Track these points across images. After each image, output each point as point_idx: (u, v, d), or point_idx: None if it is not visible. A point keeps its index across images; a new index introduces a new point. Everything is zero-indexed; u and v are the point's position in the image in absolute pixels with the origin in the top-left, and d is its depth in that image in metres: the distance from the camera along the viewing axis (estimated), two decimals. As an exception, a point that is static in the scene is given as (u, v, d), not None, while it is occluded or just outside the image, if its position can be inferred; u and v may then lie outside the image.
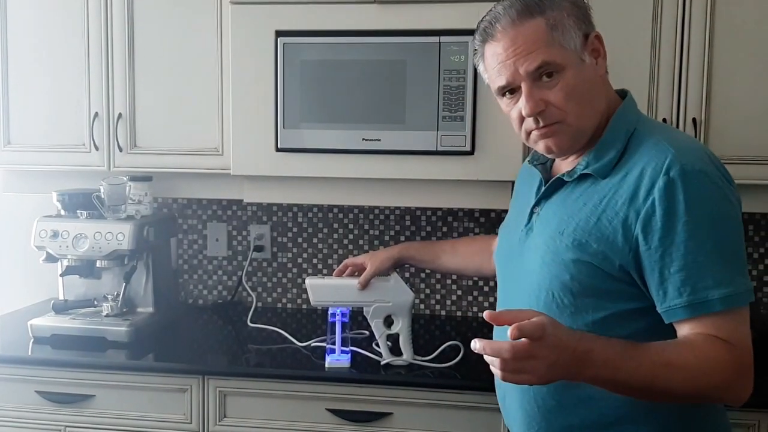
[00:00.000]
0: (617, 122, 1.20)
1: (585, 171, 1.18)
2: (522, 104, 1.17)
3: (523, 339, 0.97)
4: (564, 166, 1.26)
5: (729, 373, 1.06)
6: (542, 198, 1.26)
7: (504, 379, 1.00)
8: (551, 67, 1.15)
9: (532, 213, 1.27)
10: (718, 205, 1.09)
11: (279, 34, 1.88)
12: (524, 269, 1.24)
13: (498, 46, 1.17)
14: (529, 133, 1.21)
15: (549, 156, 1.27)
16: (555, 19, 1.15)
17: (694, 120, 1.84)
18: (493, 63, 1.19)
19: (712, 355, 1.06)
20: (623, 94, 1.25)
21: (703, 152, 1.14)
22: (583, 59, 1.17)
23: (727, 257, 1.08)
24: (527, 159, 1.38)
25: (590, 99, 1.18)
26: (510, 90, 1.19)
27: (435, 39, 1.82)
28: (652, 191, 1.09)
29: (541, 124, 1.17)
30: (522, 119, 1.19)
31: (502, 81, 1.18)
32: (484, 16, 1.21)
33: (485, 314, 1.03)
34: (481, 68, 1.25)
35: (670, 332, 1.11)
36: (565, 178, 1.21)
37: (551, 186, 1.24)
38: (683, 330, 1.09)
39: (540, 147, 1.22)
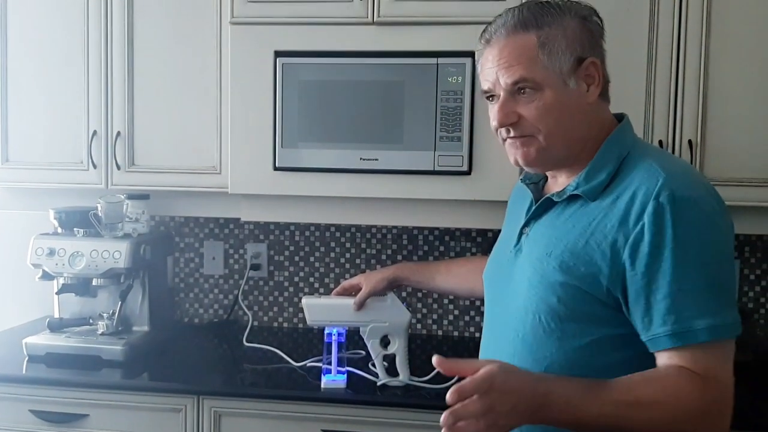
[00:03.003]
0: (610, 145, 1.18)
1: (574, 192, 1.17)
2: (494, 113, 1.18)
3: (473, 397, 1.00)
4: (556, 186, 1.24)
5: (696, 409, 1.04)
6: (532, 218, 1.24)
7: None
8: (528, 84, 1.14)
9: (521, 234, 1.25)
10: (708, 233, 1.06)
11: (278, 54, 1.90)
12: (511, 291, 1.22)
13: (489, 52, 1.18)
14: (504, 140, 1.21)
15: (521, 166, 1.24)
16: (548, 38, 1.14)
17: (690, 142, 1.85)
18: (482, 67, 1.21)
19: (680, 391, 1.04)
20: (621, 117, 1.24)
21: (696, 178, 1.13)
22: (566, 83, 1.15)
23: (715, 287, 1.05)
24: (519, 178, 1.37)
25: (566, 124, 1.16)
26: (492, 96, 1.20)
27: (432, 60, 1.84)
28: (642, 216, 1.07)
29: (512, 134, 1.18)
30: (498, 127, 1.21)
31: (485, 86, 1.20)
32: (493, 20, 1.22)
33: (434, 360, 1.05)
34: (478, 68, 1.26)
35: None
36: (554, 198, 1.20)
37: (541, 206, 1.22)
38: (662, 359, 1.07)
39: (511, 157, 1.22)
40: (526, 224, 1.25)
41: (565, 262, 1.13)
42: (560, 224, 1.18)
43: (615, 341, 1.11)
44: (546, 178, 1.31)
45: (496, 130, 1.21)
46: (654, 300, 1.05)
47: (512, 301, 1.21)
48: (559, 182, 1.25)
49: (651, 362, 1.09)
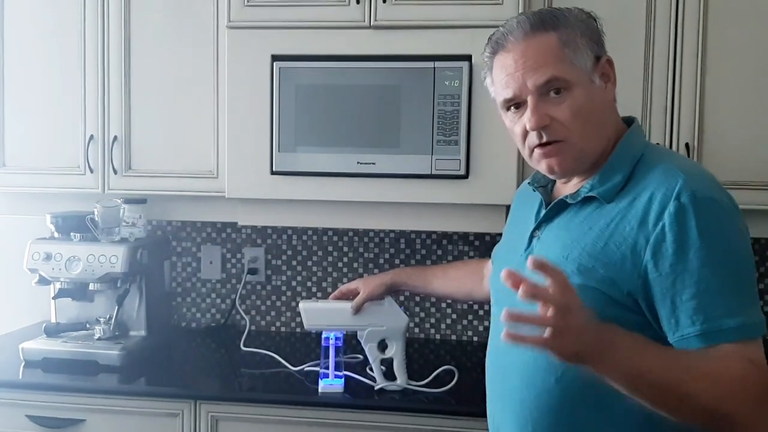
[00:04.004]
0: (624, 147, 1.17)
1: (589, 194, 1.15)
2: (527, 118, 1.14)
3: (550, 308, 0.92)
4: (566, 189, 1.23)
5: (756, 394, 1.00)
6: (543, 221, 1.22)
7: (551, 339, 0.91)
8: (560, 83, 1.13)
9: (532, 237, 1.23)
10: (731, 233, 1.06)
11: (275, 58, 1.90)
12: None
13: (508, 58, 1.16)
14: (532, 150, 1.18)
15: (551, 176, 1.24)
16: (568, 36, 1.14)
17: (687, 145, 1.85)
18: (500, 75, 1.17)
19: (740, 373, 1.00)
20: (630, 121, 1.23)
21: (713, 179, 1.12)
22: (593, 80, 1.15)
23: (741, 287, 1.05)
24: (527, 181, 1.36)
25: (597, 121, 1.16)
26: (516, 104, 1.17)
27: (429, 64, 1.84)
28: (662, 217, 1.06)
29: (545, 139, 1.15)
30: (525, 134, 1.17)
31: (508, 93, 1.16)
32: (497, 29, 1.20)
33: (504, 272, 0.94)
34: (488, 81, 1.23)
35: None
36: (568, 200, 1.18)
37: (553, 209, 1.21)
38: None
39: (542, 166, 1.19)
40: (537, 227, 1.23)
41: (583, 264, 1.11)
42: (575, 227, 1.16)
43: None
44: (554, 182, 1.29)
45: (523, 140, 1.18)
46: (680, 300, 1.04)
47: (525, 306, 1.20)
48: (569, 185, 1.24)
49: None
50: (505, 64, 1.16)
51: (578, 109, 1.13)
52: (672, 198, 1.06)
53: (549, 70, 1.12)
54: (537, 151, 1.17)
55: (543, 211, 1.24)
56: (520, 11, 1.77)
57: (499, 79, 1.18)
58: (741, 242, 1.08)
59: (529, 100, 1.14)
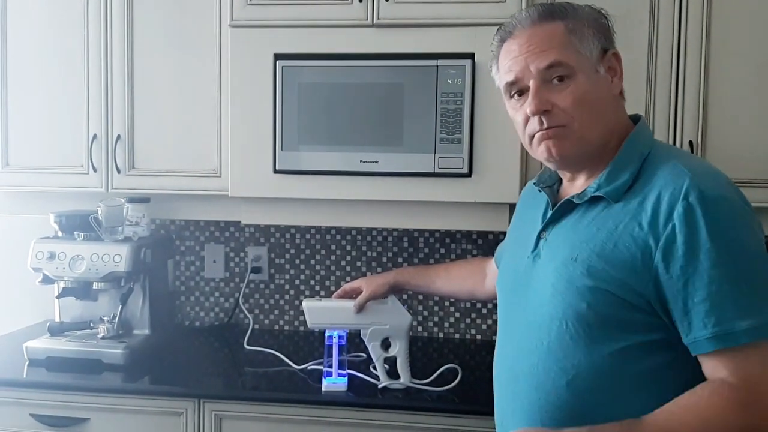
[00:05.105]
0: (631, 145, 1.16)
1: (597, 193, 1.14)
2: (528, 102, 1.14)
3: None
4: (573, 189, 1.22)
5: (734, 424, 1.01)
6: (550, 222, 1.21)
7: None
8: (563, 69, 1.13)
9: (539, 238, 1.22)
10: (741, 232, 1.04)
11: (278, 57, 1.90)
12: (532, 298, 1.19)
13: (513, 43, 1.16)
14: (531, 138, 1.17)
15: (549, 164, 1.22)
16: (575, 25, 1.14)
17: (690, 143, 1.85)
18: (505, 60, 1.18)
19: (717, 409, 1.01)
20: (636, 119, 1.22)
21: (722, 177, 1.11)
22: (597, 70, 1.15)
23: (753, 287, 1.03)
24: (532, 181, 1.34)
25: (599, 111, 1.15)
26: (519, 92, 1.17)
27: (432, 62, 1.83)
28: (671, 218, 1.04)
29: (545, 125, 1.14)
30: (527, 122, 1.17)
31: (510, 77, 1.16)
32: (508, 21, 1.21)
33: None
34: (494, 70, 1.23)
35: (695, 366, 1.06)
36: (575, 200, 1.17)
37: (559, 209, 1.20)
38: (707, 365, 1.05)
39: (541, 152, 1.17)
40: (544, 228, 1.22)
41: (593, 266, 1.10)
42: (583, 228, 1.15)
43: (646, 348, 1.08)
44: (560, 182, 1.28)
45: (524, 127, 1.18)
46: (692, 303, 1.03)
47: (534, 309, 1.18)
48: (576, 185, 1.22)
49: (682, 370, 1.07)
50: (510, 49, 1.17)
51: (581, 96, 1.13)
52: (680, 198, 1.05)
53: (552, 54, 1.13)
54: (537, 135, 1.17)
55: (550, 212, 1.22)
56: (523, 9, 1.76)
57: (504, 64, 1.18)
58: (753, 241, 1.06)
59: (531, 84, 1.14)
